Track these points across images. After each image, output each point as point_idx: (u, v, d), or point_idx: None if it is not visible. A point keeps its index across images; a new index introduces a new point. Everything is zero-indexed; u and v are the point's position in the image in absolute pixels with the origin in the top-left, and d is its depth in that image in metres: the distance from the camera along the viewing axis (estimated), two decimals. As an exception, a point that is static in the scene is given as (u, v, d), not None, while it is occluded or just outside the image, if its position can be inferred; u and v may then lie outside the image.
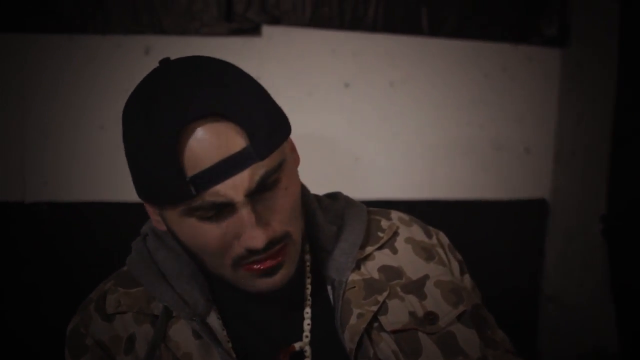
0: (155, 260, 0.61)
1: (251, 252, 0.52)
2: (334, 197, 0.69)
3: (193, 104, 0.47)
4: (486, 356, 0.63)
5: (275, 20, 1.15)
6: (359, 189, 0.99)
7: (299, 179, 0.59)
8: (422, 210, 0.93)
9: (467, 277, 0.70)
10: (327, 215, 0.65)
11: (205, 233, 0.52)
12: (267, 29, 1.16)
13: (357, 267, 0.62)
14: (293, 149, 0.60)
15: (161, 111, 0.48)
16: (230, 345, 0.59)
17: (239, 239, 0.51)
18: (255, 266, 0.53)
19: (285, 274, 0.56)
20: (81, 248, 1.14)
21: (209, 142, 0.48)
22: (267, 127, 0.50)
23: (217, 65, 0.53)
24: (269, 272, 0.55)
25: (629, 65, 1.12)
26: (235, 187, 0.48)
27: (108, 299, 0.60)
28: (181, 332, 0.57)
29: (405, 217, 0.71)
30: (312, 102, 1.21)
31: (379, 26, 1.21)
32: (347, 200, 0.69)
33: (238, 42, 1.14)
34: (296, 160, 0.60)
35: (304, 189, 0.64)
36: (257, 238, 0.50)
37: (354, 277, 0.60)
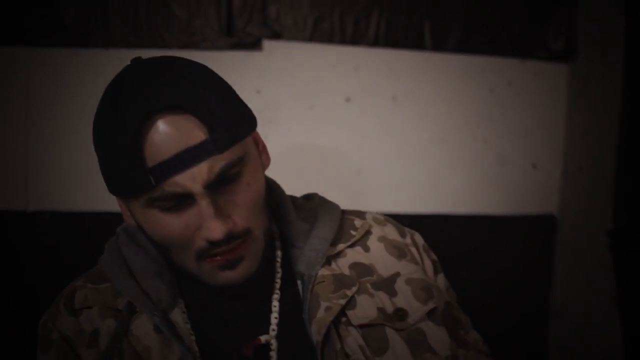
0: (124, 256, 0.62)
1: (211, 243, 0.53)
2: (309, 197, 0.71)
3: (155, 97, 0.49)
4: (457, 356, 0.63)
5: (276, 35, 1.17)
6: (361, 203, 0.98)
7: (264, 178, 0.60)
8: (426, 225, 0.92)
9: (441, 276, 0.70)
10: (300, 213, 0.66)
11: (167, 225, 0.53)
12: (268, 44, 1.17)
13: (328, 262, 0.62)
14: (263, 149, 0.62)
15: (125, 104, 0.50)
16: (193, 338, 0.59)
17: (200, 231, 0.52)
18: (216, 258, 0.54)
19: (246, 269, 0.57)
20: (82, 257, 1.15)
21: (169, 134, 0.49)
22: (228, 121, 0.51)
23: (182, 63, 0.55)
24: (230, 265, 0.55)
25: (635, 79, 1.11)
26: (193, 178, 0.49)
27: (77, 294, 0.62)
28: (143, 327, 0.57)
29: (380, 217, 0.71)
30: (313, 116, 1.22)
31: (380, 41, 1.22)
32: (322, 200, 0.70)
33: (239, 56, 1.16)
34: (266, 160, 0.62)
35: (277, 189, 0.67)
36: (216, 230, 0.51)
37: (323, 272, 0.61)
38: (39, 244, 1.14)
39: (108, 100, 0.53)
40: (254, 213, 0.56)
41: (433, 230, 1.22)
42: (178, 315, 0.60)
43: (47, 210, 1.13)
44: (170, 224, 0.53)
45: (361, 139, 1.25)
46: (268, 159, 0.63)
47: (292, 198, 0.69)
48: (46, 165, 1.13)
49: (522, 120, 1.31)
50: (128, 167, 0.50)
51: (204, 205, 0.51)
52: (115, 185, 0.55)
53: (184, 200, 0.52)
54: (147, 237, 0.59)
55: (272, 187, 0.66)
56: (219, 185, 0.52)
